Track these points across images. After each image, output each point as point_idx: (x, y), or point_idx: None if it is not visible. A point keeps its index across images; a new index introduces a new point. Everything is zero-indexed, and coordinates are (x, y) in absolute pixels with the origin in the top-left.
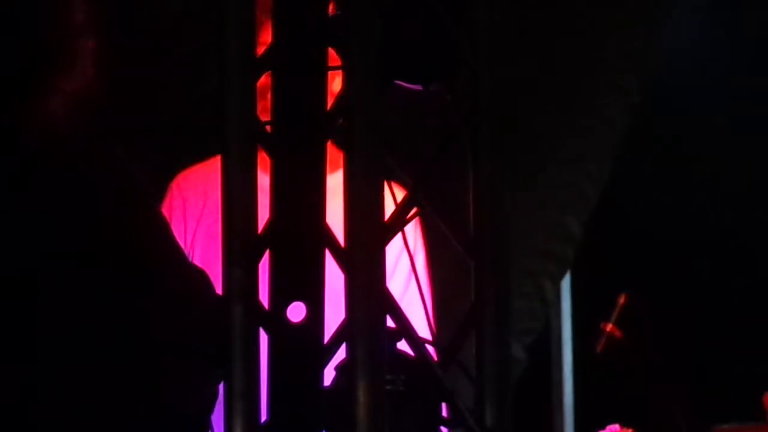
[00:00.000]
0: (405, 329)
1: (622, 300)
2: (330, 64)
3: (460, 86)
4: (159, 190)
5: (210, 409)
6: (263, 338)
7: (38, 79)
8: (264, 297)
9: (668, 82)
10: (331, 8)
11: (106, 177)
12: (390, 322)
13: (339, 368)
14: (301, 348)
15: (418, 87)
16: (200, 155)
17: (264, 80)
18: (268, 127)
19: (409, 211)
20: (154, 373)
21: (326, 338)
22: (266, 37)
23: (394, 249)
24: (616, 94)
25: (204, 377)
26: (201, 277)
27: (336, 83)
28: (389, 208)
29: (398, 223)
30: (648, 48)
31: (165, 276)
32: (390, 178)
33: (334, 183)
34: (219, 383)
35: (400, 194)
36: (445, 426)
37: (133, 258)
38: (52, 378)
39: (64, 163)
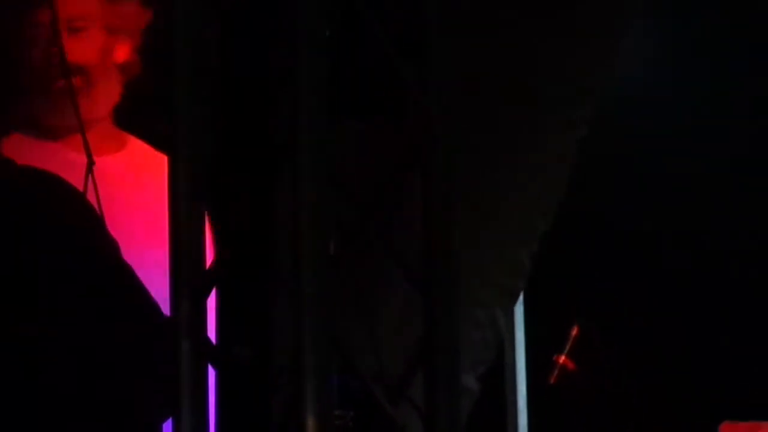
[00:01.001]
0: (353, 364)
1: (574, 331)
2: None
3: (409, 121)
4: None
5: None
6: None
7: None
8: (212, 332)
9: (617, 107)
10: None
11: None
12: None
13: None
14: (250, 383)
15: (366, 122)
16: None
17: None
18: None
19: (359, 245)
20: (110, 394)
21: None
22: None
23: None
24: (565, 128)
25: (152, 410)
26: (150, 302)
27: (120, 51)
28: None
29: (345, 260)
30: (599, 82)
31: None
32: (338, 213)
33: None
34: (166, 419)
35: None
36: None
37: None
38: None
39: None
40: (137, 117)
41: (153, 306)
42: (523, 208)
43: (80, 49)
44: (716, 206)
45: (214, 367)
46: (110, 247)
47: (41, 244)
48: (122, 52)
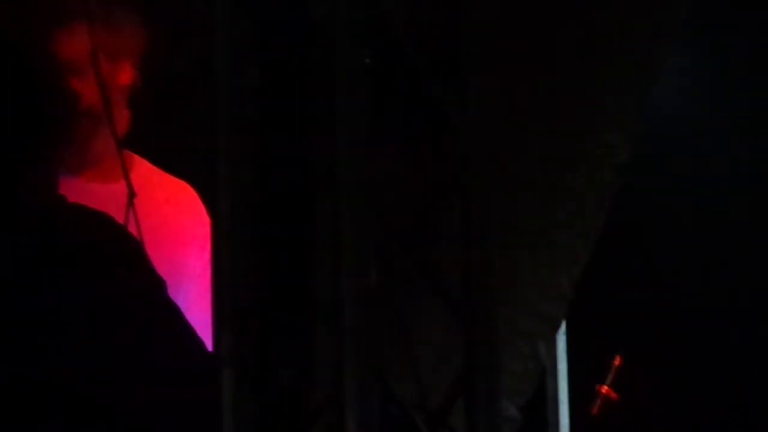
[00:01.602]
0: (394, 392)
1: (617, 362)
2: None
3: (448, 148)
4: None
5: None
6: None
7: (41, 151)
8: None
9: (661, 142)
10: None
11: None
12: None
13: None
14: (291, 412)
15: (406, 149)
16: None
17: None
18: None
19: (399, 274)
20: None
21: None
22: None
23: None
24: (604, 154)
25: None
26: (197, 343)
27: (123, 75)
28: None
29: (385, 288)
30: (638, 105)
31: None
32: (378, 242)
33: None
34: None
35: None
36: None
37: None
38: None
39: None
40: (138, 135)
41: (198, 345)
42: (564, 236)
43: (85, 90)
44: (761, 240)
45: (256, 395)
46: (156, 286)
47: (87, 283)
48: (126, 75)
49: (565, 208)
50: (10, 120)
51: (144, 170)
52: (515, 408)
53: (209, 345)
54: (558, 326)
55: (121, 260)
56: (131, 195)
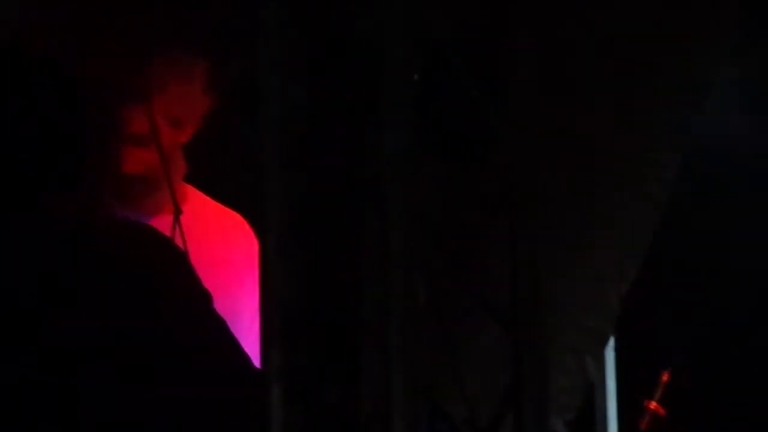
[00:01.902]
0: (443, 409)
1: (665, 377)
2: None
3: (495, 164)
4: None
5: None
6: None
7: (77, 172)
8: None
9: (707, 159)
10: None
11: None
12: None
13: None
14: (338, 429)
15: (453, 165)
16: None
17: None
18: None
19: (447, 291)
20: None
21: None
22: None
23: None
24: (653, 168)
25: None
26: (243, 357)
27: (184, 136)
28: None
29: (433, 305)
30: (687, 121)
31: (207, 356)
32: (426, 258)
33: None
34: None
35: None
36: None
37: (177, 336)
38: None
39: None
40: (216, 154)
41: (245, 360)
42: (612, 250)
43: (147, 157)
44: None
45: (304, 412)
46: (203, 299)
47: (135, 298)
48: (185, 136)
49: (614, 224)
50: (65, 140)
51: (198, 201)
52: (563, 424)
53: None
54: (606, 342)
55: (166, 271)
56: (177, 212)
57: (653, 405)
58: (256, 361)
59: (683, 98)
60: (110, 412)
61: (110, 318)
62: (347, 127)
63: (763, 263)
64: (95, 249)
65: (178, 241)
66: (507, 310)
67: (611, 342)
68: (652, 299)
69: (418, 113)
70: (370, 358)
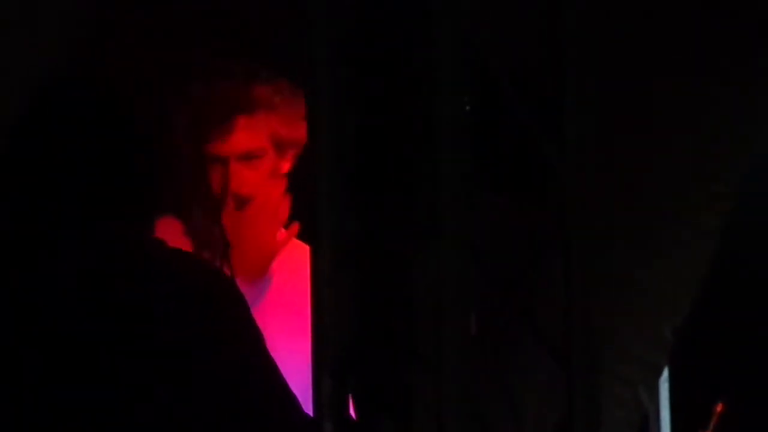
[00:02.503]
0: None
1: (719, 408)
2: None
3: (550, 196)
4: None
5: None
6: None
7: (150, 198)
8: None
9: (763, 190)
10: None
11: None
12: None
13: None
14: None
15: (508, 197)
16: None
17: None
18: None
19: (501, 322)
20: None
21: None
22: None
23: None
24: (708, 203)
25: None
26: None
27: (287, 164)
28: None
29: (486, 336)
30: (744, 154)
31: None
32: (479, 288)
33: None
34: None
35: None
36: None
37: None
38: None
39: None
40: None
41: (294, 405)
42: (666, 282)
43: (252, 179)
44: None
45: None
46: (255, 339)
47: (186, 330)
48: (288, 165)
49: (669, 256)
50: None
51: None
52: None
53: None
54: (660, 373)
55: (218, 306)
56: (225, 245)
57: None
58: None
59: (739, 130)
60: None
61: (158, 354)
62: (401, 159)
63: None
64: (146, 279)
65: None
66: (560, 342)
67: (665, 373)
68: (706, 330)
69: (472, 145)
70: (423, 391)
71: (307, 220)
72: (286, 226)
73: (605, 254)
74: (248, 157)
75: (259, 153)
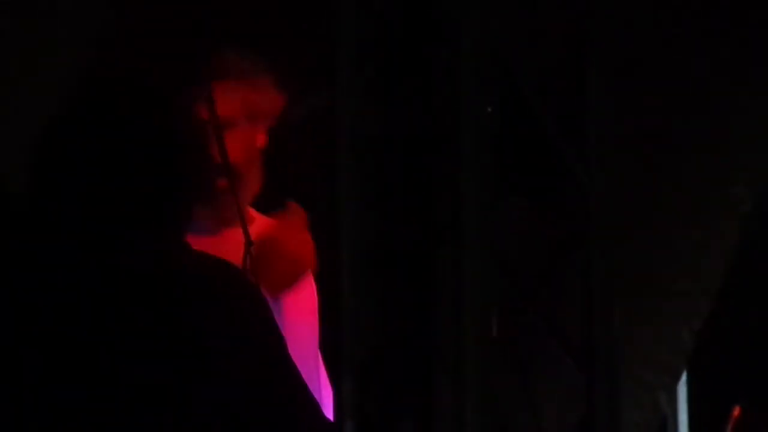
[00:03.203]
0: None
1: (736, 412)
2: None
3: (571, 200)
4: None
5: None
6: None
7: (178, 213)
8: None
9: None
10: None
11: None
12: None
13: None
14: None
15: (529, 200)
16: None
17: None
18: None
19: (521, 324)
20: None
21: None
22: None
23: None
24: (726, 204)
25: None
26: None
27: (260, 137)
28: None
29: (506, 337)
30: (761, 156)
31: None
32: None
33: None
34: None
35: None
36: None
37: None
38: None
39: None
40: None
41: (316, 407)
42: (686, 287)
43: (230, 148)
44: None
45: None
46: (277, 343)
47: (209, 332)
48: (262, 137)
49: (688, 259)
50: (148, 171)
51: (262, 225)
52: None
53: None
54: (678, 376)
55: (243, 310)
56: (248, 244)
57: None
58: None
59: (758, 134)
60: None
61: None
62: (423, 162)
63: None
64: (174, 288)
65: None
66: (580, 345)
67: (683, 377)
68: (724, 333)
69: (495, 149)
70: (444, 393)
71: (328, 222)
72: (253, 204)
73: (625, 257)
74: (223, 126)
75: (232, 121)
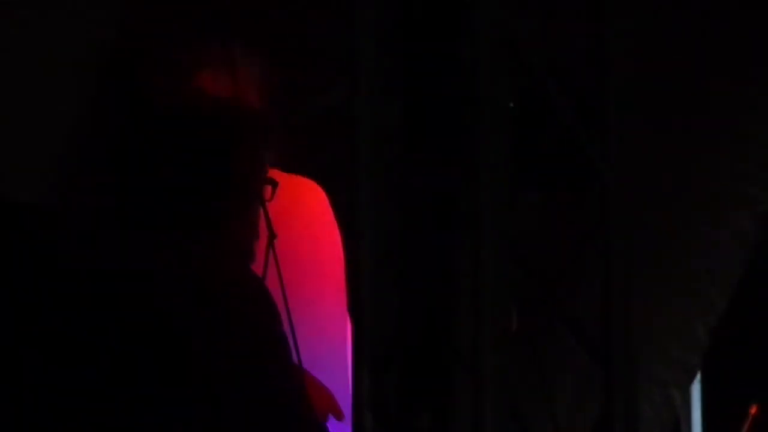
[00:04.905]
0: None
1: (753, 410)
2: None
3: (590, 194)
4: None
5: None
6: None
7: (226, 215)
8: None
9: None
10: None
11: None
12: None
13: None
14: None
15: (548, 194)
16: None
17: None
18: None
19: (539, 317)
20: None
21: None
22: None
23: None
24: (744, 203)
25: None
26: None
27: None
28: None
29: (524, 332)
30: None
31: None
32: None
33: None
34: None
35: None
36: None
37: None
38: None
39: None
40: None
41: (310, 420)
42: (700, 283)
43: None
44: None
45: None
46: (282, 351)
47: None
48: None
49: (705, 257)
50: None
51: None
52: None
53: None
54: (694, 374)
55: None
56: (271, 237)
57: None
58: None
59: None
60: None
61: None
62: (443, 155)
63: None
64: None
65: (271, 267)
66: (598, 340)
67: (698, 375)
68: (740, 331)
69: (515, 143)
70: (461, 384)
71: (347, 216)
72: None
73: (644, 254)
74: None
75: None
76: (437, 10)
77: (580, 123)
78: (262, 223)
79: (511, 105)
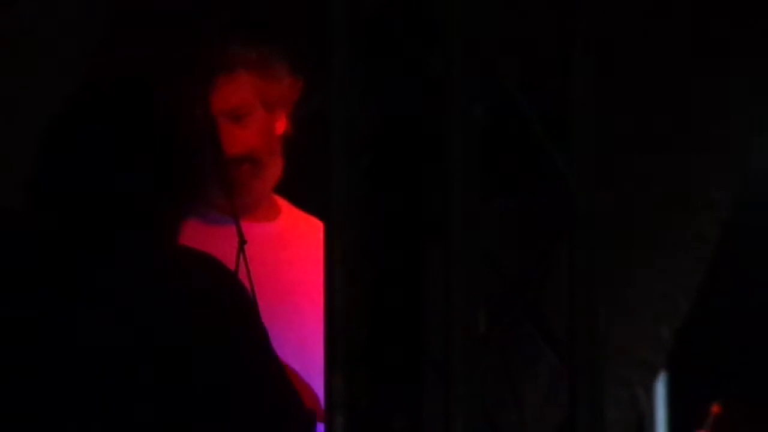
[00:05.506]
0: None
1: (715, 409)
2: None
3: (556, 199)
4: None
5: None
6: None
7: (155, 210)
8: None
9: (760, 195)
10: None
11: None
12: None
13: None
14: None
15: (515, 199)
16: None
17: None
18: None
19: (507, 321)
20: None
21: None
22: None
23: None
24: (706, 209)
25: None
26: (294, 395)
27: (280, 123)
28: None
29: (494, 334)
30: (742, 162)
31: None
32: (487, 288)
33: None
34: None
35: None
36: None
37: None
38: None
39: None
40: (290, 182)
41: (297, 403)
42: (664, 285)
43: (246, 136)
44: None
45: None
46: (260, 337)
47: (190, 331)
48: (281, 124)
49: (669, 260)
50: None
51: (293, 216)
52: None
53: (320, 389)
54: (658, 374)
55: (224, 303)
56: (241, 243)
57: None
58: (319, 387)
59: (738, 137)
60: None
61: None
62: (413, 160)
63: None
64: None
65: (242, 272)
66: (564, 341)
67: (662, 374)
68: (703, 331)
69: (482, 149)
70: (432, 386)
71: (322, 218)
72: (276, 190)
73: (609, 257)
74: (236, 114)
75: (247, 110)
76: (408, 19)
77: (546, 129)
78: (233, 229)
79: (479, 112)
